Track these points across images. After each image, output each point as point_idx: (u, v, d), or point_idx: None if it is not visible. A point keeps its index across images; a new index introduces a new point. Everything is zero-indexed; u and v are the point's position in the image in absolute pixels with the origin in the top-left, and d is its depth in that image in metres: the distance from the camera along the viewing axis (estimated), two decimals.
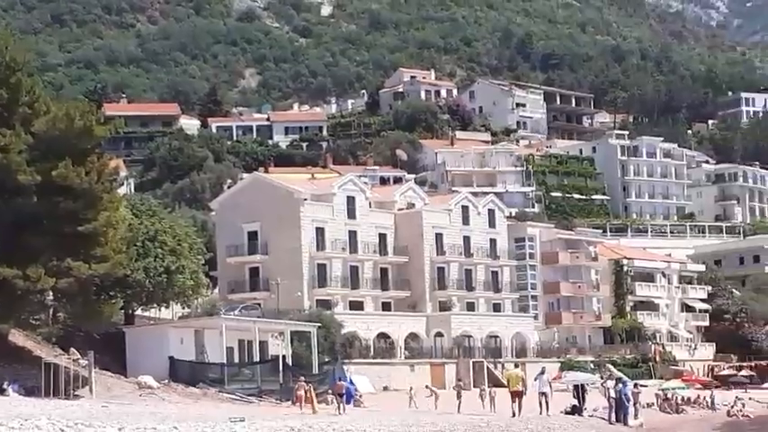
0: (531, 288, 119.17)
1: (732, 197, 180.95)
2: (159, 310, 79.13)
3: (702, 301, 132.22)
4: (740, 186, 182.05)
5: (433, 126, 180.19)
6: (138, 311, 76.03)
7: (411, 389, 69.45)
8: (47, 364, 55.09)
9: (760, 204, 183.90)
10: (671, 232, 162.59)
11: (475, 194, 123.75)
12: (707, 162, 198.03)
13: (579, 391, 61.81)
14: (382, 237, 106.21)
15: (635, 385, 67.45)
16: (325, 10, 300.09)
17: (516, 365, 62.48)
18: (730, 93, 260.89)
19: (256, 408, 57.04)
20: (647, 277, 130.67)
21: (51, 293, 58.64)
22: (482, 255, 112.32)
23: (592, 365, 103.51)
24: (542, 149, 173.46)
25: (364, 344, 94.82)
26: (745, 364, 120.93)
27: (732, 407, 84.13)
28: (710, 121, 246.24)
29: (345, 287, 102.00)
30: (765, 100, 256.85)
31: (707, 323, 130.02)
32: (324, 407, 61.34)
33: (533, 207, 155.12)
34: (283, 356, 71.16)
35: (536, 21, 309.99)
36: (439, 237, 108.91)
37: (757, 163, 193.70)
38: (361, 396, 71.15)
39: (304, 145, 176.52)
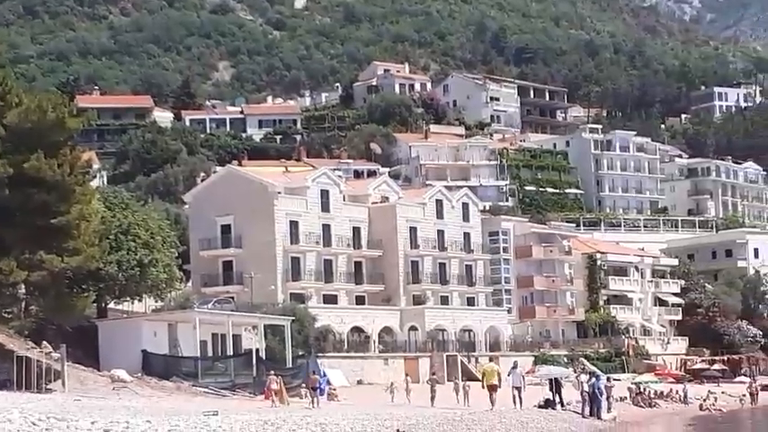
0: (505, 282, 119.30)
1: (705, 191, 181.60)
2: (132, 303, 78.78)
3: (675, 295, 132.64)
4: (713, 181, 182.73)
5: (408, 120, 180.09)
6: (111, 305, 75.68)
7: (392, 383, 69.37)
8: (19, 357, 54.66)
9: (732, 199, 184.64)
10: (644, 226, 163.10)
11: (449, 188, 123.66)
12: (680, 156, 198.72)
13: (555, 385, 61.90)
14: (356, 230, 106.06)
15: (608, 379, 67.74)
16: (299, 3, 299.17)
17: (491, 359, 62.56)
18: (703, 87, 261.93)
19: (230, 401, 56.88)
20: (621, 271, 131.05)
21: (23, 286, 58.25)
22: (456, 248, 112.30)
23: (565, 359, 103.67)
24: (516, 143, 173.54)
25: (338, 337, 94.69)
26: (717, 358, 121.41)
27: (704, 401, 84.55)
28: (684, 116, 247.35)
29: (319, 281, 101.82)
30: (738, 95, 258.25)
31: (680, 317, 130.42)
32: (297, 400, 61.31)
33: (507, 201, 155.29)
34: (257, 350, 70.97)
35: (510, 15, 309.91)
36: (413, 230, 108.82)
37: (730, 157, 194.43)
38: (335, 390, 71.10)
39: (278, 138, 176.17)
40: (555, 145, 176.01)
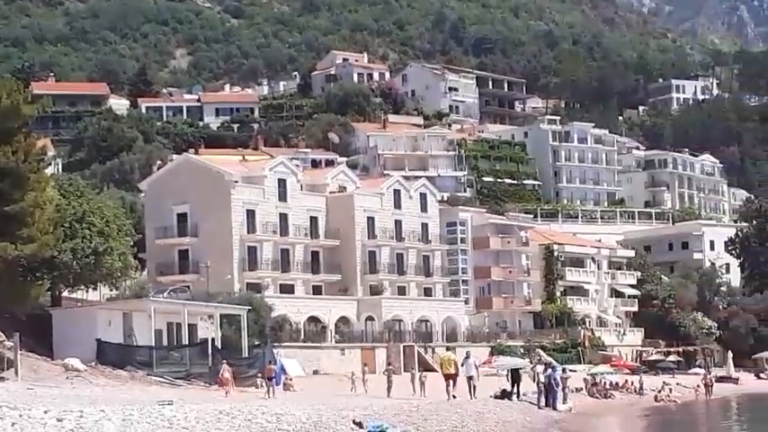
0: (462, 272, 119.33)
1: (662, 183, 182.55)
2: (87, 291, 78.19)
3: (631, 286, 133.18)
4: (670, 173, 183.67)
5: (366, 109, 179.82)
6: (66, 293, 75.04)
7: (353, 373, 69.15)
8: None
9: (689, 191, 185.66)
10: (601, 218, 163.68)
11: (407, 178, 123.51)
12: (637, 148, 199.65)
13: (514, 375, 61.94)
14: (313, 220, 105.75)
15: (564, 370, 67.74)
16: None
17: (449, 349, 62.60)
18: (661, 80, 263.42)
19: (185, 391, 56.49)
20: (578, 262, 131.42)
21: None
22: (413, 239, 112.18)
23: (522, 350, 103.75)
24: (474, 134, 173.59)
25: (294, 327, 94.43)
26: (672, 349, 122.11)
27: (659, 392, 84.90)
28: (641, 108, 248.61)
29: (276, 270, 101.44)
30: (695, 87, 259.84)
31: (636, 309, 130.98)
32: (253, 390, 61.02)
33: (465, 191, 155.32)
34: (212, 340, 70.55)
35: (469, 5, 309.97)
36: (370, 220, 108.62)
37: (687, 150, 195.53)
38: (290, 379, 70.84)
39: (235, 126, 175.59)
40: (513, 136, 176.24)
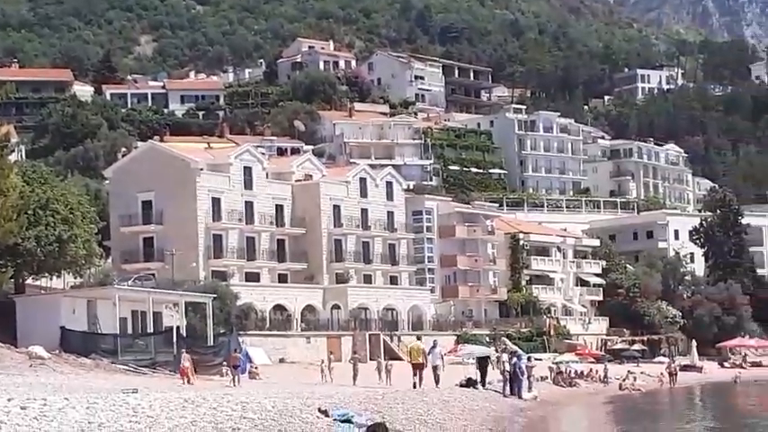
0: (429, 261, 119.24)
1: (627, 173, 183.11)
2: (51, 279, 77.78)
3: (597, 275, 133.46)
4: (635, 162, 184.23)
5: (332, 97, 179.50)
6: (29, 281, 74.68)
7: (323, 362, 68.99)
8: None
9: (654, 180, 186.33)
10: (567, 207, 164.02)
11: (373, 167, 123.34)
12: (603, 138, 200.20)
13: (482, 364, 61.94)
14: (279, 208, 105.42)
15: (529, 359, 67.91)
16: None
17: (419, 338, 62.56)
18: (626, 69, 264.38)
19: (150, 379, 56.21)
20: (543, 251, 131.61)
21: None
22: (380, 227, 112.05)
23: (487, 339, 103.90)
24: (440, 123, 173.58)
25: (260, 315, 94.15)
26: (637, 338, 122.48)
27: (624, 380, 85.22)
28: (607, 97, 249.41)
29: (241, 258, 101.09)
30: (660, 77, 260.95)
31: (601, 298, 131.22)
32: (219, 379, 60.82)
33: (431, 180, 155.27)
34: (177, 328, 70.24)
35: None
36: (336, 209, 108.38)
37: (652, 139, 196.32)
38: (256, 368, 70.68)
39: (200, 114, 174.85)
40: (479, 125, 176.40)
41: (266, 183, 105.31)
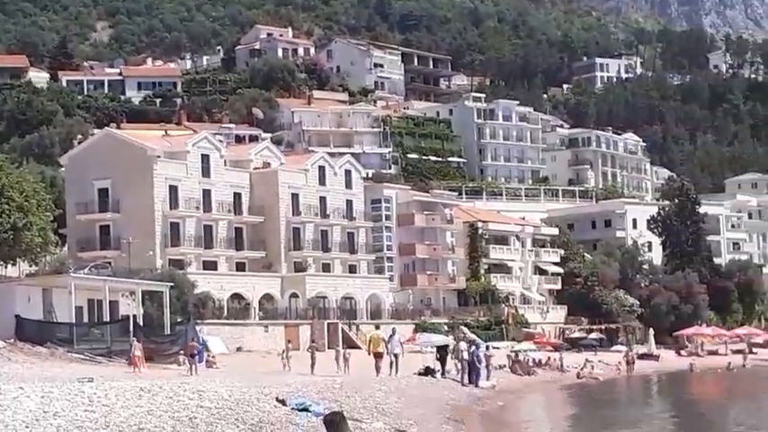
0: (387, 250, 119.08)
1: (585, 161, 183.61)
2: (5, 267, 77.10)
3: (555, 264, 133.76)
4: (593, 151, 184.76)
5: (290, 85, 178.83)
6: None
7: (284, 350, 68.66)
8: None
9: (612, 169, 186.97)
10: (525, 196, 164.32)
11: (332, 155, 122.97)
12: (561, 126, 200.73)
13: (441, 353, 61.84)
14: (237, 196, 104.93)
15: (487, 347, 67.86)
16: None
17: (378, 327, 62.54)
18: (585, 58, 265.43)
19: (106, 368, 55.78)
20: (502, 240, 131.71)
21: None
22: (338, 216, 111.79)
23: (446, 327, 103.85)
24: (400, 111, 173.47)
25: (218, 304, 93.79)
26: (595, 327, 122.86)
27: (582, 369, 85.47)
28: (565, 86, 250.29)
29: (199, 247, 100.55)
30: (619, 66, 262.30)
31: (559, 286, 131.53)
32: (176, 367, 60.45)
33: (390, 168, 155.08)
34: (134, 316, 69.76)
35: None
36: (295, 197, 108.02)
37: (610, 128, 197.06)
38: (213, 357, 70.33)
39: (158, 101, 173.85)
40: (438, 113, 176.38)
41: (224, 170, 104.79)
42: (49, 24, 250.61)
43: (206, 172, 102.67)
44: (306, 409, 32.92)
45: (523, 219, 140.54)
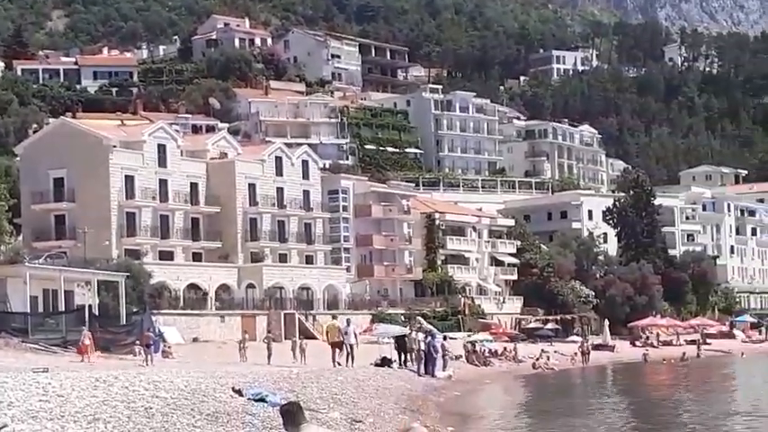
0: (344, 240, 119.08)
1: (541, 153, 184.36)
2: None
3: (511, 255, 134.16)
4: (549, 143, 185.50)
5: (247, 75, 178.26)
6: None
7: (241, 341, 68.53)
8: None
9: (568, 161, 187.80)
10: (482, 187, 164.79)
11: (289, 145, 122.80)
12: (518, 118, 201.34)
13: (400, 344, 61.97)
14: (194, 186, 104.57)
15: (445, 338, 68.04)
16: None
17: (335, 317, 62.63)
18: (542, 50, 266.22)
19: (60, 358, 55.48)
20: (458, 231, 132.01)
21: None
22: (295, 206, 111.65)
23: (403, 318, 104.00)
24: (357, 102, 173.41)
25: (174, 294, 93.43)
26: (550, 317, 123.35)
27: (537, 359, 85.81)
28: (522, 78, 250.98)
29: (155, 237, 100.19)
30: (576, 58, 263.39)
31: (515, 277, 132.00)
32: (131, 358, 60.22)
33: (347, 159, 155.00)
34: (90, 306, 69.41)
35: None
36: (252, 187, 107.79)
37: (566, 120, 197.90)
38: (169, 347, 70.10)
39: (113, 90, 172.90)
40: (395, 104, 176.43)
41: (180, 160, 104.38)
42: (4, 13, 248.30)
43: (162, 162, 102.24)
44: (262, 400, 32.89)
45: (480, 210, 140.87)
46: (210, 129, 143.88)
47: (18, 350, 58.33)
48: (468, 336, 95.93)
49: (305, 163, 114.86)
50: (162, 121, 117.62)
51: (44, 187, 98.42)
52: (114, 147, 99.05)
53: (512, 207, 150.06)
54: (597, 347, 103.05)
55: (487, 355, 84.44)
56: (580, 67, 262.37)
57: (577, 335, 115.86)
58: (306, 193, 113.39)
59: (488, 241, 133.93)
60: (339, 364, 55.34)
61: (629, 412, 48.67)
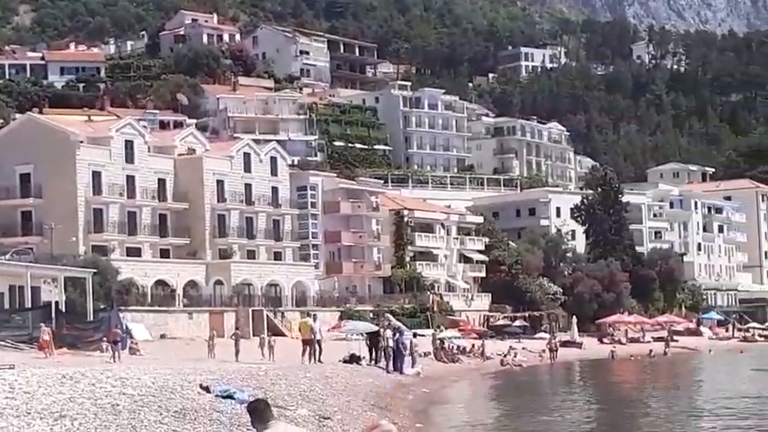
0: (313, 237, 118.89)
1: (510, 150, 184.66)
2: None
3: (480, 252, 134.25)
4: (518, 140, 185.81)
5: (216, 71, 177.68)
6: None
7: (211, 338, 68.27)
8: None
9: (537, 158, 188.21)
10: (451, 184, 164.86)
11: (257, 142, 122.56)
12: (487, 115, 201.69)
13: (372, 340, 61.93)
14: (161, 182, 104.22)
15: (414, 335, 68.04)
16: None
17: (308, 314, 62.64)
18: (510, 47, 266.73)
19: (27, 355, 55.18)
20: (427, 228, 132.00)
21: None
22: (264, 203, 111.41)
23: (371, 315, 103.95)
24: (325, 98, 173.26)
25: (141, 291, 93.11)
26: (519, 314, 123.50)
27: (506, 356, 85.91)
28: (491, 75, 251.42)
29: (123, 233, 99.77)
30: (544, 55, 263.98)
31: (483, 274, 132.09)
32: (98, 354, 59.95)
33: (316, 156, 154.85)
34: (56, 303, 69.08)
35: None
36: (220, 183, 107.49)
37: (535, 117, 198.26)
38: (137, 344, 69.81)
39: (81, 86, 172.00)
40: (364, 101, 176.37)
41: (148, 157, 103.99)
42: None
43: (130, 158, 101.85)
44: (230, 397, 32.80)
45: (449, 207, 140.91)
46: (178, 125, 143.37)
47: None
48: (437, 332, 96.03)
49: (273, 159, 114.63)
50: (129, 116, 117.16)
51: (10, 183, 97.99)
52: (81, 143, 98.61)
53: (480, 204, 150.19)
54: (565, 344, 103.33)
55: (456, 351, 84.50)
56: (548, 65, 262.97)
57: (545, 332, 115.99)
58: (274, 190, 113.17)
59: (457, 238, 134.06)
60: (307, 360, 55.32)
61: (595, 408, 48.84)
